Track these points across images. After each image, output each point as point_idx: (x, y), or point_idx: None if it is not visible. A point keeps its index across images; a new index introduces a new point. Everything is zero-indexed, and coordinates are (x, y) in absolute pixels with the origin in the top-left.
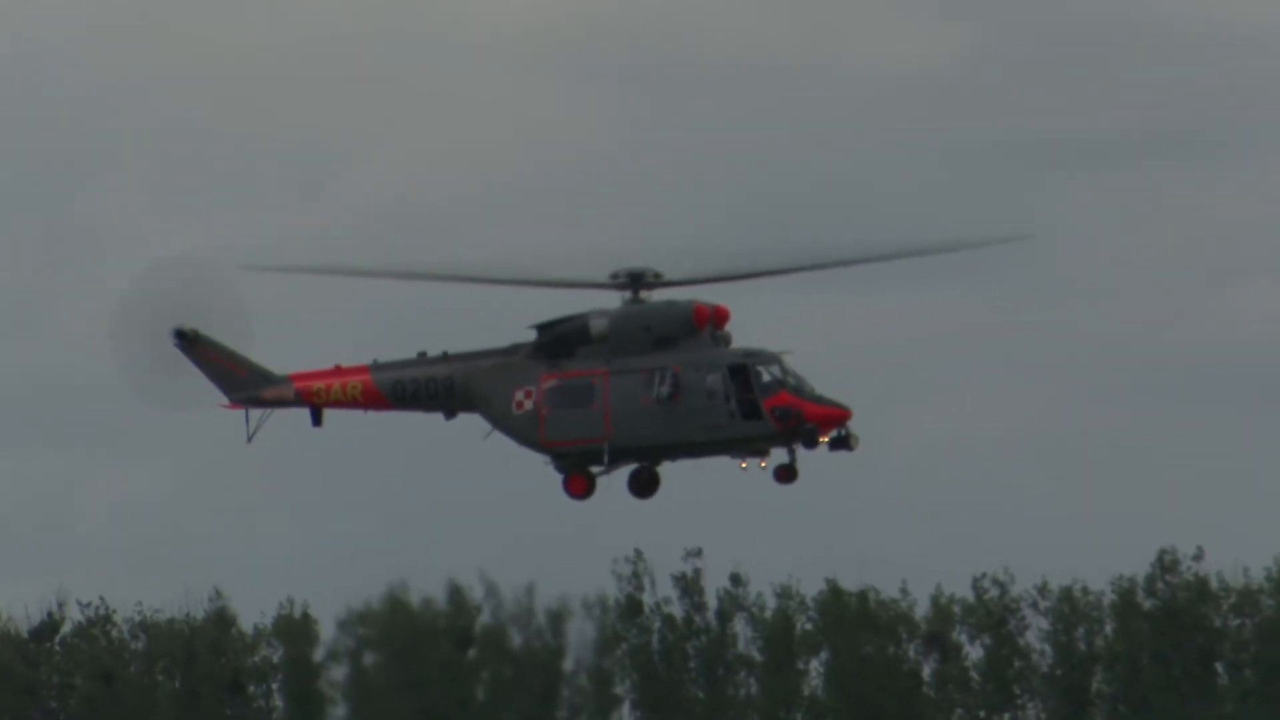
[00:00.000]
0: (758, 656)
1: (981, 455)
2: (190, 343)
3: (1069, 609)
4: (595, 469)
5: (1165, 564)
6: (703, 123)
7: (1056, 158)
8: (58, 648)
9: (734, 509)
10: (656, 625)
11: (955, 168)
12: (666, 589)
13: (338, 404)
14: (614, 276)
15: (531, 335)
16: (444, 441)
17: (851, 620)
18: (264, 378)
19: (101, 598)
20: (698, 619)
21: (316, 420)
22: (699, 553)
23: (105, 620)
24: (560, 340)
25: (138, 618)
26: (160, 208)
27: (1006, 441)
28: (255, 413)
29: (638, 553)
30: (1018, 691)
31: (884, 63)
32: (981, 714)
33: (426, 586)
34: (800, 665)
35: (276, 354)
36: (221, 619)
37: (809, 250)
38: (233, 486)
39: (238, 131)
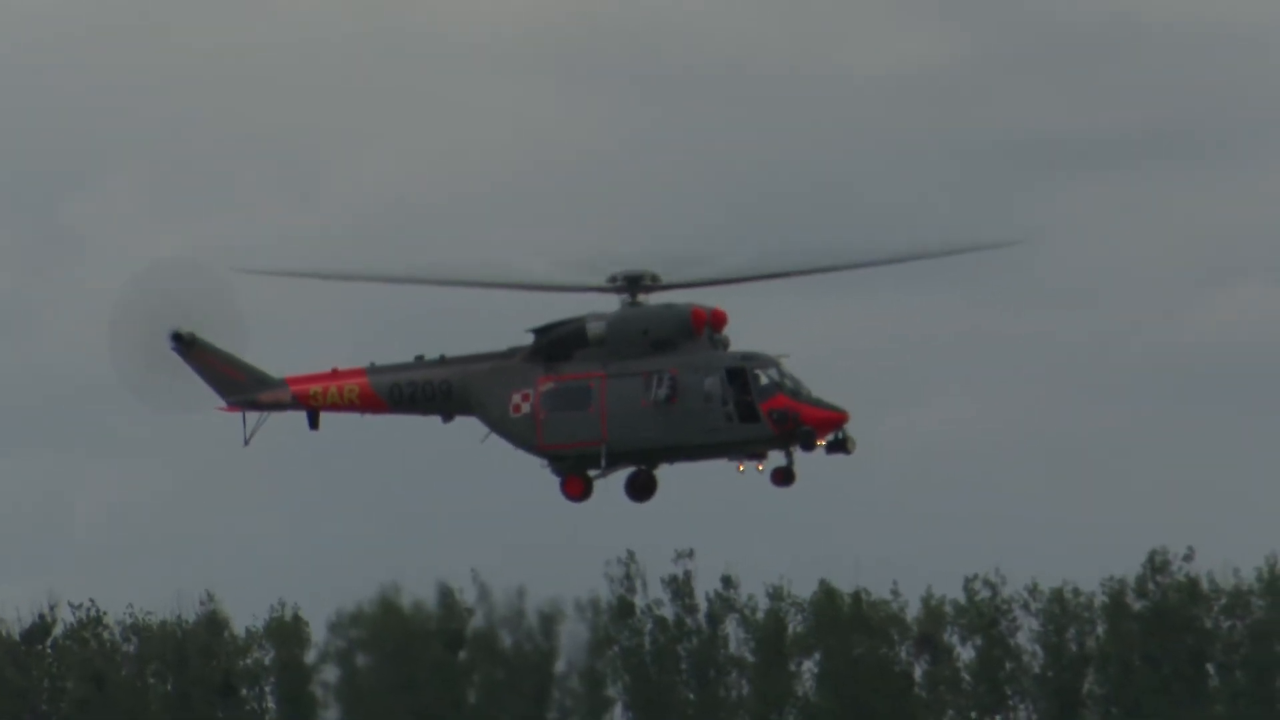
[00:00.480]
0: (749, 658)
1: (972, 457)
2: (187, 346)
3: (1060, 610)
4: (593, 472)
5: (1156, 565)
6: (701, 125)
7: (1053, 159)
8: (49, 650)
9: (725, 511)
10: (648, 627)
11: (954, 169)
12: (658, 591)
13: (335, 407)
14: (611, 279)
15: (529, 338)
16: (434, 445)
17: (843, 622)
18: (261, 381)
19: (93, 600)
20: (689, 621)
21: (313, 423)
22: (690, 554)
23: (96, 623)
24: (557, 343)
25: (129, 620)
26: (157, 209)
27: (998, 443)
28: (252, 416)
29: (630, 554)
30: (1009, 692)
31: (882, 65)
32: (973, 715)
33: (418, 589)
34: (792, 667)
35: (273, 357)
36: (213, 621)
37: (808, 253)
38: (224, 489)
39: (236, 133)
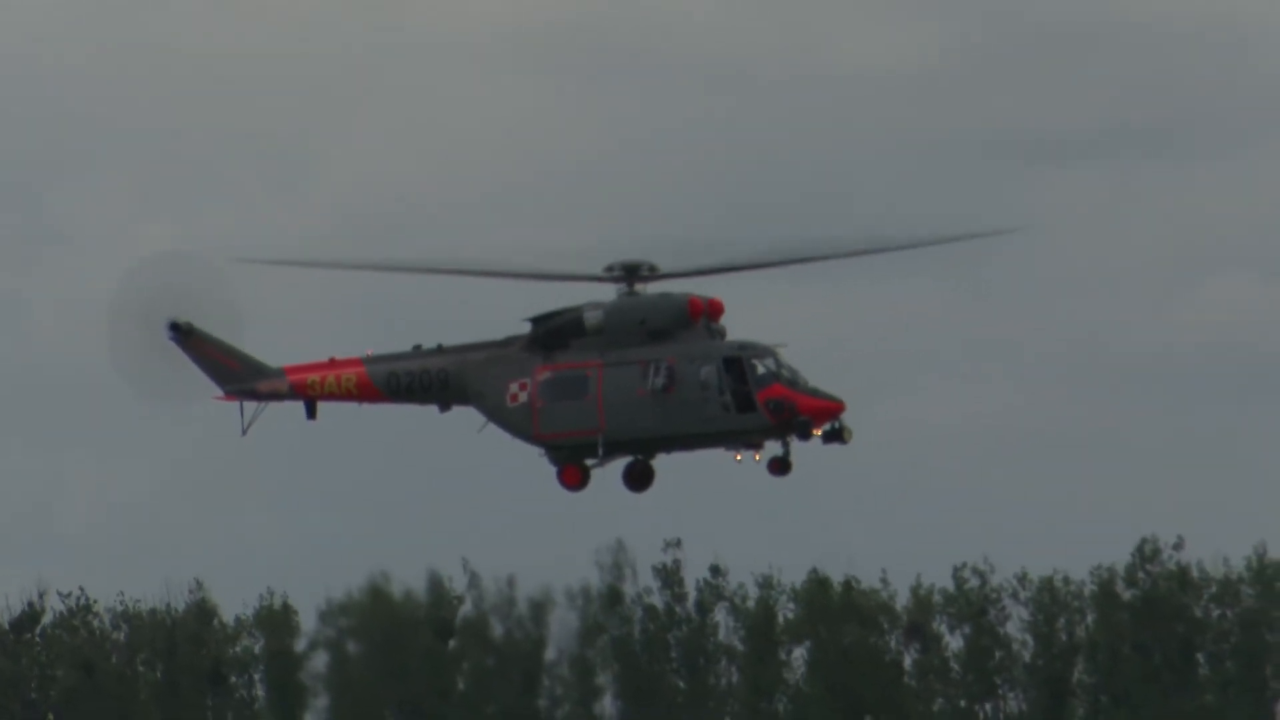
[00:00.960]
0: (739, 646)
1: (962, 446)
2: (185, 336)
3: (1049, 599)
4: (590, 461)
5: (1146, 554)
6: (697, 118)
7: (1039, 153)
8: (38, 639)
9: (715, 500)
10: (638, 615)
11: (943, 162)
12: (648, 579)
13: (332, 396)
14: (609, 269)
15: (526, 328)
16: (424, 435)
17: (833, 610)
18: (258, 371)
19: (82, 588)
20: (679, 609)
21: (311, 413)
22: (679, 543)
23: (86, 611)
24: (555, 333)
25: (119, 608)
26: (153, 201)
27: (987, 432)
28: (250, 406)
29: (619, 543)
30: (998, 681)
31: (871, 61)
32: (962, 703)
33: (407, 577)
34: (782, 655)
35: (271, 347)
36: (202, 610)
37: (804, 243)
38: (212, 479)
39: (237, 128)
